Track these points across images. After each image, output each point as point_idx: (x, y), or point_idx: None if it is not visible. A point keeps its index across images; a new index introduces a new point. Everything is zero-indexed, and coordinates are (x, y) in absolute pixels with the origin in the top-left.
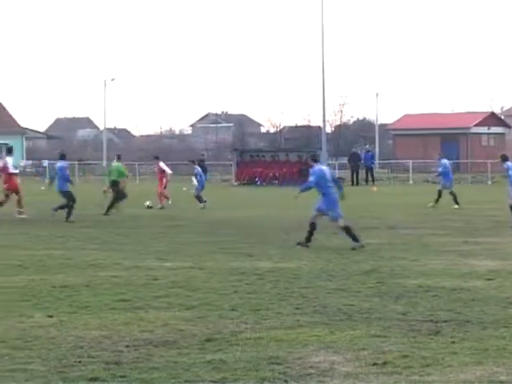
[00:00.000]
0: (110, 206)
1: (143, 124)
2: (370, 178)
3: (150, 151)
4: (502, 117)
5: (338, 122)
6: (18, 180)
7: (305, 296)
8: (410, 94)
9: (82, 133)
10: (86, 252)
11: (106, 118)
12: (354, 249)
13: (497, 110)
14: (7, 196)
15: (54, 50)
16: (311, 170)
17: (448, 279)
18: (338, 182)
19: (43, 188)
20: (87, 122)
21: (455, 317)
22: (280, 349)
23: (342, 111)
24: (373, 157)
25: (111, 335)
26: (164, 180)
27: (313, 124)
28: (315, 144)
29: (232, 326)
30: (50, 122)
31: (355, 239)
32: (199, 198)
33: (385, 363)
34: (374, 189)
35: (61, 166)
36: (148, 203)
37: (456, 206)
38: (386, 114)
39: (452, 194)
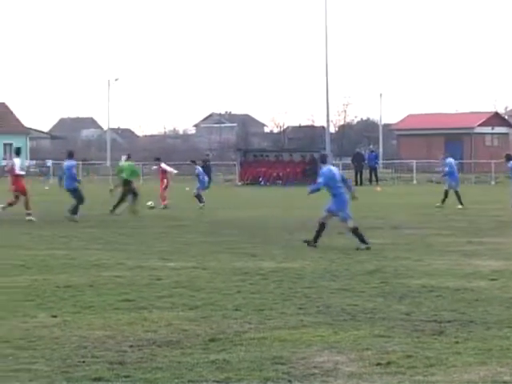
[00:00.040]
0: (117, 205)
1: (147, 124)
2: (373, 178)
3: (154, 151)
4: (506, 117)
5: (342, 122)
6: (25, 181)
7: (308, 296)
8: (414, 94)
9: (86, 133)
10: (90, 252)
11: (110, 118)
12: (357, 249)
13: (501, 110)
14: (17, 197)
15: (58, 50)
16: (320, 171)
17: (452, 279)
18: (347, 182)
19: (47, 188)
20: (91, 122)
21: (459, 317)
22: (284, 349)
23: (345, 111)
24: (376, 157)
25: (115, 335)
26: (165, 181)
27: (316, 124)
28: (319, 144)
29: (236, 326)
30: (54, 122)
31: (363, 240)
32: (199, 198)
33: (388, 363)
34: (378, 189)
35: (69, 164)
36: (150, 203)
37: (460, 206)
38: (389, 114)
39: (457, 193)
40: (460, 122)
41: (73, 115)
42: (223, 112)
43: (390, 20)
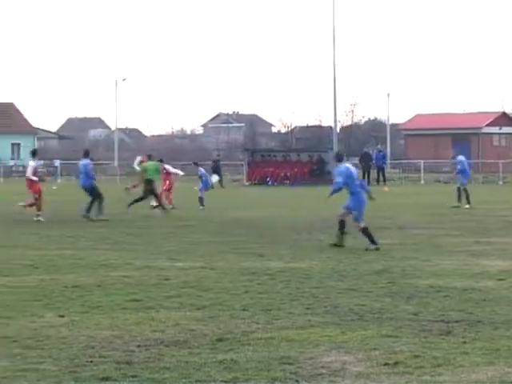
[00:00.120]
0: (137, 201)
1: (154, 124)
2: (381, 178)
3: (162, 151)
4: None
5: (350, 122)
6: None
7: (316, 296)
8: (422, 93)
9: (94, 133)
10: (98, 252)
11: (118, 118)
12: (367, 249)
13: (508, 110)
14: (37, 199)
15: (66, 50)
16: (337, 170)
17: (459, 279)
18: (361, 182)
19: (55, 188)
20: (98, 122)
21: (466, 317)
22: (291, 349)
23: (353, 111)
24: (384, 157)
25: (122, 335)
26: (167, 182)
27: (324, 124)
28: (326, 144)
29: (243, 326)
30: (62, 122)
31: (372, 241)
32: (201, 200)
33: (396, 363)
34: (386, 189)
35: (85, 163)
36: (153, 203)
37: (467, 206)
38: (397, 114)
39: (465, 191)
40: (468, 122)
41: (80, 115)
42: (231, 112)
43: (398, 20)
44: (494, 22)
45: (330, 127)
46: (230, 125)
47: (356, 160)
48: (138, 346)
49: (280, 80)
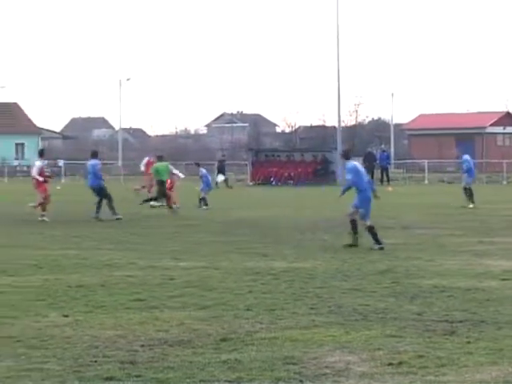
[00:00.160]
0: (150, 200)
1: (158, 124)
2: (385, 178)
3: (166, 151)
4: None
5: (354, 122)
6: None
7: (320, 296)
8: (426, 93)
9: (98, 133)
10: (102, 252)
11: (122, 118)
12: (371, 249)
13: None
14: (45, 198)
15: (70, 50)
16: (346, 168)
17: (463, 279)
18: (369, 180)
19: (59, 188)
20: (102, 122)
21: (470, 317)
22: (295, 349)
23: (357, 111)
24: (388, 157)
25: (126, 335)
26: (168, 181)
27: (328, 124)
28: (330, 144)
29: (247, 326)
30: (66, 121)
31: (377, 240)
32: (204, 200)
33: (400, 363)
34: (390, 189)
35: (93, 163)
36: (153, 203)
37: (471, 206)
38: (401, 114)
39: (470, 191)
40: (471, 122)
41: (84, 115)
42: (235, 112)
43: (402, 20)
44: (497, 22)
45: (334, 127)
46: (234, 125)
47: (360, 160)
48: (142, 345)
49: (284, 80)
